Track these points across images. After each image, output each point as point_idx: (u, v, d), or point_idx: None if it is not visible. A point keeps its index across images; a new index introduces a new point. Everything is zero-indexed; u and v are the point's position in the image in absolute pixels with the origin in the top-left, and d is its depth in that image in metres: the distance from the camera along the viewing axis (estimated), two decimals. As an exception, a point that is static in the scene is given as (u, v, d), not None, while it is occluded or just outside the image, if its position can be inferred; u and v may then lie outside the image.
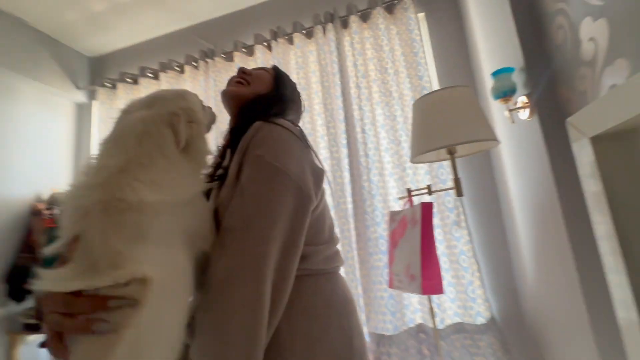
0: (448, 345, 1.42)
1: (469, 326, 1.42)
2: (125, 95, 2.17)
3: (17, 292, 1.82)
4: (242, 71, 0.80)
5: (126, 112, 0.57)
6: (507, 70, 1.12)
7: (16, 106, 1.99)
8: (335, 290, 0.63)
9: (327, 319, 0.58)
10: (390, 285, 1.35)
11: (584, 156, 0.75)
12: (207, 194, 0.64)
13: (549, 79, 1.05)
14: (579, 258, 0.95)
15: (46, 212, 1.91)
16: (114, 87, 2.21)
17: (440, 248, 1.50)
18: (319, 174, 0.63)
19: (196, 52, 2.06)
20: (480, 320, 1.40)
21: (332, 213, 1.62)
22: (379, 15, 1.72)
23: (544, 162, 1.05)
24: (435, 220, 1.48)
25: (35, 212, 1.93)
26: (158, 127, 0.51)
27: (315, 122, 1.78)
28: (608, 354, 0.90)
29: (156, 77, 2.13)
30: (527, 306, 1.40)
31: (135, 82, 2.18)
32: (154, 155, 0.49)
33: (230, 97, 0.76)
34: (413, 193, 1.40)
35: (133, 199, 0.43)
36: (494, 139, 1.03)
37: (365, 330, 1.50)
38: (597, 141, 0.72)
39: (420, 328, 1.48)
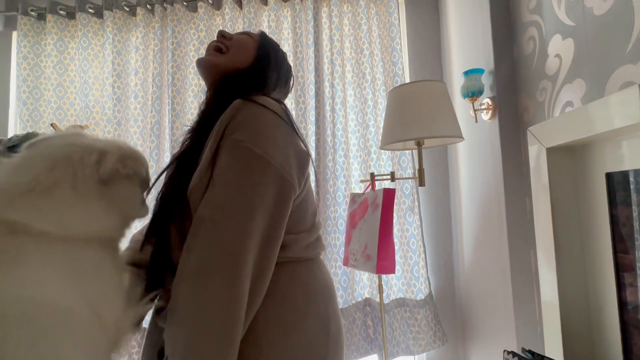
0: (390, 318, 1.56)
1: (410, 301, 1.57)
2: (58, 31, 1.82)
3: None
4: (221, 35, 0.70)
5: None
6: (478, 71, 1.18)
7: None
8: (314, 277, 0.62)
9: (304, 306, 0.58)
10: (345, 263, 1.42)
11: (538, 160, 0.85)
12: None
13: (513, 85, 1.14)
14: (512, 245, 1.10)
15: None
16: (41, 17, 1.83)
17: (394, 230, 1.60)
18: (303, 159, 0.59)
19: (152, -7, 1.78)
20: (420, 296, 1.56)
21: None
22: (360, -10, 1.66)
23: (497, 160, 1.16)
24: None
25: None
26: (82, 157, 0.47)
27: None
28: (523, 326, 1.07)
29: (98, 15, 1.81)
30: (460, 286, 1.60)
31: (70, 15, 1.83)
32: (62, 185, 0.45)
33: (205, 67, 0.67)
34: (376, 178, 1.45)
35: (20, 222, 0.41)
36: (460, 136, 1.10)
37: (317, 303, 1.58)
38: (551, 151, 0.81)
39: (367, 302, 1.60)
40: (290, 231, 0.58)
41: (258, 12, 1.72)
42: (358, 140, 1.66)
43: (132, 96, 1.75)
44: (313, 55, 1.65)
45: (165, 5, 1.75)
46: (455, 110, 1.54)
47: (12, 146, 1.62)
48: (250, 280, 0.49)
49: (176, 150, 0.64)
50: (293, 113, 1.67)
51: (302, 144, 0.61)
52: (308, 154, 0.61)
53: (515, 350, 0.87)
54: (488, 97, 1.19)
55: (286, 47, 1.72)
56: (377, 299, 1.56)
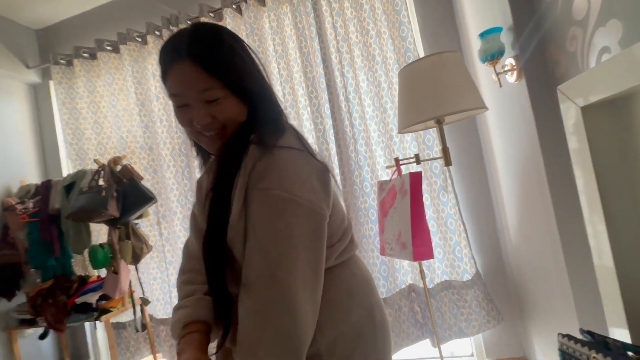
0: (437, 302, 1.52)
1: (456, 283, 1.51)
2: (84, 73, 1.97)
3: (6, 289, 1.78)
4: (205, 124, 0.59)
5: None
6: (495, 31, 1.07)
7: (-40, 93, 1.78)
8: (353, 275, 0.65)
9: (348, 303, 0.62)
10: (382, 253, 1.40)
11: (573, 121, 0.75)
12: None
13: (538, 39, 1.02)
14: (559, 213, 1.00)
15: (19, 206, 1.81)
16: (69, 63, 2.00)
17: (429, 213, 1.54)
18: (325, 179, 0.59)
19: (158, 18, 1.86)
20: (467, 276, 1.49)
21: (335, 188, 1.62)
22: (357, -32, 1.58)
23: (530, 125, 1.05)
24: (423, 187, 1.50)
25: (7, 208, 1.82)
26: None
27: (296, 92, 1.69)
28: (582, 301, 0.98)
29: (116, 50, 1.93)
30: (509, 261, 1.50)
31: (92, 56, 1.97)
32: None
33: (217, 154, 0.63)
34: (401, 162, 1.40)
35: None
36: (483, 107, 1.02)
37: (360, 295, 1.58)
38: (586, 110, 0.72)
39: (411, 288, 1.57)
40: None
41: (258, 14, 1.72)
42: (378, 126, 1.61)
43: (157, 121, 1.86)
44: (319, 47, 1.62)
45: (171, 28, 1.81)
46: (478, 77, 1.43)
47: (68, 185, 1.82)
48: (310, 308, 0.53)
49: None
50: (307, 110, 1.66)
51: (319, 162, 0.61)
52: (327, 170, 0.61)
53: (573, 332, 0.80)
54: (511, 57, 1.08)
55: (290, 44, 1.70)
56: (421, 285, 1.52)
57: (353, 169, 1.59)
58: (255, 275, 0.52)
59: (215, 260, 0.58)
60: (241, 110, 0.61)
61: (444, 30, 1.58)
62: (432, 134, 1.51)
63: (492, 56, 1.08)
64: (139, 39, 1.88)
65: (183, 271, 0.69)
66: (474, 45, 1.38)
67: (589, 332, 0.70)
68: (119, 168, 1.75)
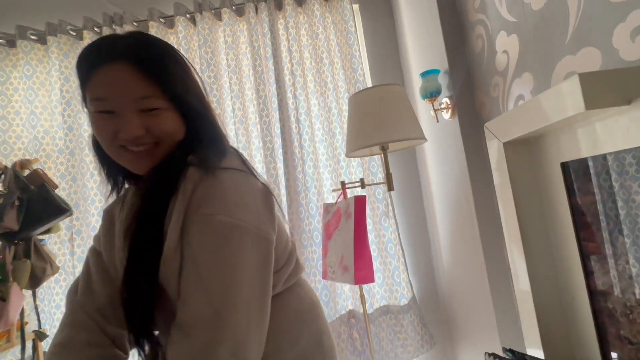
0: (376, 327, 1.52)
1: (394, 307, 1.54)
2: (25, 58, 1.70)
3: None
4: (134, 137, 0.51)
5: None
6: (434, 72, 1.20)
7: None
8: (301, 300, 0.63)
9: (296, 328, 0.59)
10: (324, 277, 1.37)
11: (497, 155, 0.85)
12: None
13: (468, 83, 1.15)
14: (485, 241, 1.10)
15: None
16: (-18, 47, 1.71)
17: (370, 237, 1.58)
18: (269, 200, 0.56)
19: (99, 15, 1.71)
20: (404, 301, 1.53)
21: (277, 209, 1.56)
22: (314, 0, 1.67)
23: (461, 159, 1.16)
24: (367, 212, 1.54)
25: None
26: None
27: (247, 108, 1.66)
28: (504, 325, 1.06)
29: (42, 41, 1.71)
30: (442, 286, 1.59)
31: (11, 44, 1.72)
32: None
33: (144, 172, 0.54)
34: (347, 186, 1.43)
35: None
36: (422, 137, 1.10)
37: (299, 321, 1.52)
38: (508, 145, 0.81)
39: (351, 314, 1.55)
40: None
41: (213, 27, 1.69)
42: (326, 149, 1.64)
43: (85, 123, 1.65)
44: (273, 68, 1.63)
45: (114, 27, 1.68)
46: (419, 111, 1.56)
47: (-49, 189, 1.48)
48: (256, 345, 0.49)
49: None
50: (257, 127, 1.63)
51: (262, 184, 0.57)
52: (270, 191, 0.58)
53: (497, 350, 0.85)
54: (446, 97, 1.21)
55: (245, 61, 1.69)
56: (361, 310, 1.52)
57: (300, 190, 1.58)
58: (194, 315, 0.45)
59: (142, 304, 0.48)
60: (180, 127, 0.55)
61: (390, 65, 1.73)
62: (377, 160, 1.59)
63: (431, 94, 1.19)
64: (73, 33, 1.70)
65: (62, 326, 0.56)
66: (416, 82, 1.53)
67: (511, 350, 0.74)
68: (26, 173, 1.49)
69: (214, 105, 1.61)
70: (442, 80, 1.22)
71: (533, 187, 0.80)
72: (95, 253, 0.59)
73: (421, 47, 1.41)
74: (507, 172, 0.80)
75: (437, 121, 1.25)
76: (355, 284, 1.20)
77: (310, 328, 0.61)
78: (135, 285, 0.49)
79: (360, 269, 1.22)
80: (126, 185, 0.63)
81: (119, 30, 1.68)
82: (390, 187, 1.18)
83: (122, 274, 0.50)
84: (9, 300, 1.38)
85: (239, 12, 1.72)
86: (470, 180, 1.12)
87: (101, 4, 1.74)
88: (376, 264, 1.57)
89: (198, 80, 0.60)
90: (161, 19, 1.69)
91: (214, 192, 0.49)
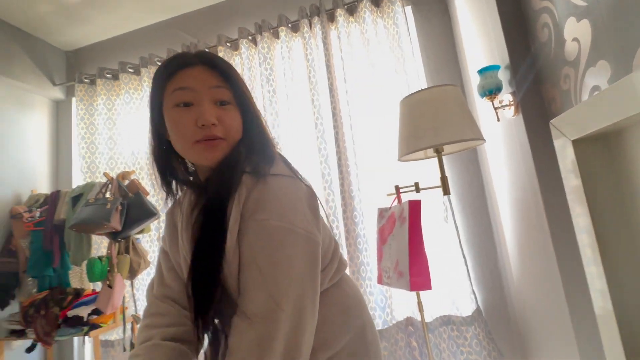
0: (436, 337, 1.46)
1: (456, 318, 1.45)
2: (105, 92, 2.09)
3: (0, 298, 1.77)
4: (211, 123, 0.57)
5: None
6: (493, 68, 1.12)
7: (-12, 105, 1.90)
8: (346, 295, 0.66)
9: (342, 321, 0.62)
10: (379, 282, 1.37)
11: (566, 156, 0.77)
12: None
13: (533, 77, 1.06)
14: (559, 250, 0.98)
15: (26, 214, 1.85)
16: (92, 82, 2.13)
17: (428, 243, 1.52)
18: (313, 202, 0.60)
19: (178, 46, 1.99)
20: (467, 312, 1.44)
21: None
22: (365, 8, 1.69)
23: (527, 159, 1.07)
24: (423, 216, 1.49)
25: (14, 215, 1.86)
26: None
27: (302, 117, 1.76)
28: (585, 342, 0.94)
29: (137, 72, 2.06)
30: (511, 297, 1.45)
31: (115, 77, 2.10)
32: None
33: (212, 163, 0.60)
34: (401, 190, 1.41)
35: None
36: (480, 138, 1.04)
37: (355, 325, 1.53)
38: (578, 143, 0.73)
39: (408, 321, 1.51)
40: None
41: (271, 45, 1.83)
42: (381, 154, 1.64)
43: (168, 139, 1.93)
44: (326, 77, 1.70)
45: (190, 54, 1.93)
46: (478, 111, 1.47)
47: (75, 196, 1.86)
48: (309, 335, 0.53)
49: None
50: (312, 135, 1.71)
51: (306, 186, 0.61)
52: (314, 193, 0.62)
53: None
54: (508, 93, 1.12)
55: (300, 73, 1.79)
56: (419, 318, 1.47)
57: (354, 194, 1.60)
58: (257, 307, 0.51)
59: (209, 297, 0.55)
60: (240, 127, 0.61)
61: (446, 65, 1.66)
62: (434, 164, 1.53)
63: (490, 92, 1.12)
64: (159, 63, 2.00)
65: (145, 315, 0.66)
66: (474, 80, 1.44)
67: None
68: (126, 182, 1.79)
69: (273, 116, 1.74)
70: (503, 76, 1.14)
71: (613, 190, 0.70)
72: (163, 252, 0.69)
73: (479, 43, 1.33)
74: (579, 173, 0.72)
75: (498, 120, 1.16)
76: (411, 290, 1.18)
77: (356, 322, 0.64)
78: (202, 283, 0.55)
79: (416, 275, 1.19)
80: (183, 190, 0.70)
81: (194, 57, 1.92)
82: (445, 191, 1.13)
83: (188, 270, 0.56)
84: (115, 288, 1.68)
85: (294, 28, 1.83)
86: (538, 184, 1.02)
87: (180, 37, 2.02)
88: (435, 272, 1.50)
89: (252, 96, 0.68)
90: (227, 43, 1.89)
91: (266, 198, 0.54)
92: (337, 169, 1.63)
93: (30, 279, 1.82)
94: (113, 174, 1.90)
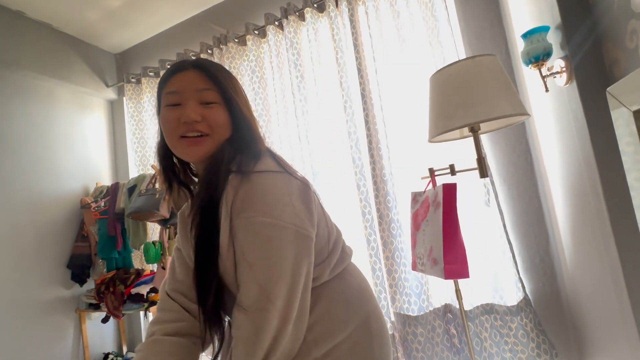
0: (476, 326, 1.39)
1: (499, 307, 1.36)
2: (150, 89, 2.24)
3: (79, 276, 2.07)
4: (194, 120, 0.60)
5: None
6: (541, 30, 0.98)
7: (55, 109, 2.15)
8: (349, 286, 0.66)
9: (345, 313, 0.63)
10: (414, 268, 1.33)
11: (624, 129, 0.65)
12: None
13: (591, 36, 0.90)
14: (619, 235, 0.86)
15: (93, 204, 2.10)
16: (138, 82, 2.29)
17: (467, 229, 1.43)
18: (306, 196, 0.60)
19: (210, 38, 2.05)
20: (512, 302, 1.34)
21: (354, 195, 1.60)
22: (395, -23, 1.57)
23: (582, 133, 0.93)
24: (461, 200, 1.40)
25: (84, 205, 2.13)
26: None
27: (330, 102, 1.72)
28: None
29: (176, 69, 2.17)
30: (565, 287, 1.31)
31: (156, 74, 2.24)
32: None
33: (194, 159, 0.64)
34: (436, 173, 1.33)
35: None
36: (521, 113, 0.93)
37: (390, 310, 1.51)
38: (642, 114, 0.61)
39: (447, 308, 1.46)
40: (314, 265, 0.61)
41: (297, 29, 1.79)
42: (415, 135, 1.55)
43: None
44: (354, 58, 1.63)
45: (221, 46, 1.98)
46: (523, 82, 1.30)
47: (131, 187, 2.06)
48: (296, 320, 0.56)
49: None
50: (341, 119, 1.67)
51: (298, 180, 0.61)
52: (307, 187, 0.62)
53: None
54: (560, 58, 0.97)
55: (327, 55, 1.74)
56: (458, 306, 1.40)
57: (386, 179, 1.55)
58: (251, 300, 0.54)
59: (210, 291, 0.58)
60: (227, 124, 0.63)
61: (488, 34, 1.48)
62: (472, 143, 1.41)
63: (537, 58, 0.98)
64: (194, 57, 2.08)
65: (156, 309, 0.71)
66: (521, 48, 1.27)
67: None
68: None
69: (302, 102, 1.72)
70: (553, 38, 0.99)
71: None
72: (177, 250, 0.73)
73: (524, 3, 1.16)
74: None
75: (547, 90, 1.02)
76: (445, 278, 1.12)
77: (359, 313, 0.64)
78: (202, 277, 0.58)
79: (451, 263, 1.13)
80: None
81: (225, 49, 1.96)
82: (482, 174, 1.04)
83: (193, 267, 0.60)
84: (167, 269, 1.85)
85: (320, 8, 1.77)
86: (595, 161, 0.88)
87: (211, 29, 2.07)
88: (476, 259, 1.41)
89: (245, 95, 0.70)
90: (255, 31, 1.89)
91: (252, 196, 0.56)
92: (368, 152, 1.58)
93: (100, 260, 2.09)
94: (157, 158, 2.06)
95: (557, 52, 0.98)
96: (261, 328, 0.53)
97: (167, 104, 0.63)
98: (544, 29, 0.98)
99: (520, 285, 1.34)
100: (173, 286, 0.70)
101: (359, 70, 1.60)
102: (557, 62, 0.98)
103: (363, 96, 1.59)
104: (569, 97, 0.97)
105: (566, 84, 0.96)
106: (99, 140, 2.40)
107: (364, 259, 1.57)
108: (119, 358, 2.13)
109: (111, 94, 2.44)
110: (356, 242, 1.62)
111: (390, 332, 1.50)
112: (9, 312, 1.77)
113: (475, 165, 1.32)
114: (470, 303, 1.41)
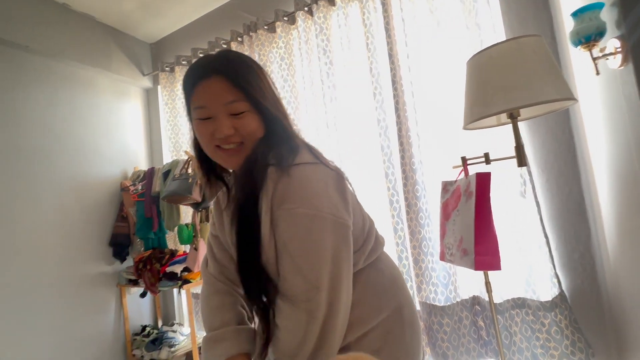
0: (506, 320, 1.35)
1: (532, 302, 1.32)
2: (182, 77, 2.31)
3: (119, 253, 2.22)
4: (226, 136, 0.61)
5: None
6: (594, 7, 0.90)
7: (97, 97, 2.28)
8: (382, 274, 0.67)
9: (378, 302, 0.64)
10: (442, 258, 1.31)
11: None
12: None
13: (653, 13, 0.82)
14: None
15: (131, 187, 2.23)
16: (172, 70, 2.37)
17: (501, 220, 1.38)
18: (341, 186, 0.62)
19: (240, 26, 2.06)
20: (546, 297, 1.29)
21: (382, 184, 1.59)
22: (430, -44, 1.49)
23: (636, 120, 0.86)
24: (496, 190, 1.35)
25: (123, 188, 2.27)
26: None
27: (359, 88, 1.69)
28: None
29: (207, 57, 2.22)
30: (606, 285, 1.24)
31: (189, 63, 2.30)
32: None
33: (233, 168, 0.66)
34: (469, 162, 1.28)
35: None
36: (567, 97, 0.87)
37: (416, 299, 1.51)
38: None
39: (475, 300, 1.43)
40: None
41: (327, 14, 1.76)
42: (447, 123, 1.50)
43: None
44: (385, 42, 1.58)
45: (250, 34, 1.99)
46: (571, 64, 1.22)
47: (165, 172, 2.16)
48: (343, 306, 0.58)
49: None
50: (370, 106, 1.64)
51: (332, 171, 0.63)
52: (341, 176, 0.63)
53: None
54: (615, 38, 0.89)
55: (357, 41, 1.71)
56: (487, 298, 1.37)
57: (416, 167, 1.52)
58: (295, 290, 0.56)
59: (254, 280, 0.61)
60: (259, 127, 0.64)
61: (532, 13, 1.38)
62: (510, 131, 1.34)
63: (588, 38, 0.91)
64: (225, 45, 2.12)
65: (209, 295, 0.72)
66: (568, 28, 1.18)
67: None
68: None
69: (331, 89, 1.71)
70: (608, 16, 0.91)
71: None
72: (213, 236, 0.76)
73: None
74: None
75: (598, 73, 0.95)
76: (476, 269, 1.10)
77: (391, 301, 0.65)
78: (246, 268, 0.61)
79: (482, 254, 1.10)
80: (223, 190, 0.75)
81: (254, 36, 1.98)
82: (520, 162, 0.99)
83: (236, 256, 0.62)
84: (199, 250, 1.95)
85: (351, -9, 1.73)
86: (651, 150, 0.82)
87: (241, 17, 2.09)
88: (507, 251, 1.37)
89: (274, 89, 0.68)
90: (285, 17, 1.88)
91: (292, 188, 0.57)
92: (397, 140, 1.55)
93: (138, 240, 2.23)
94: (193, 152, 2.14)
95: (611, 31, 0.90)
96: (311, 317, 0.55)
97: (198, 118, 0.63)
98: (598, 6, 0.90)
99: (556, 280, 1.29)
100: (219, 270, 0.74)
101: (390, 55, 1.56)
102: (610, 42, 0.90)
103: (394, 82, 1.55)
104: (622, 81, 0.89)
105: (620, 66, 0.88)
106: (136, 127, 2.52)
107: (390, 247, 1.56)
108: (155, 330, 2.28)
109: (147, 82, 2.55)
110: (383, 231, 1.61)
111: (415, 321, 1.50)
112: (60, 285, 1.94)
113: (510, 153, 1.26)
114: (500, 296, 1.37)
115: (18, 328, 1.74)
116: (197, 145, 0.70)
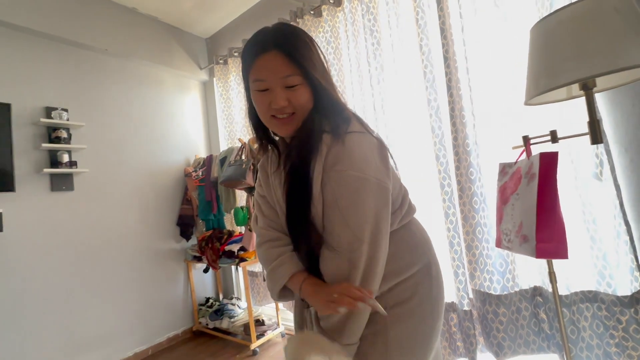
0: (573, 314, 1.24)
1: (605, 296, 1.18)
2: (235, 69, 2.43)
3: (185, 233, 2.48)
4: (281, 107, 0.67)
5: None
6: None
7: (162, 92, 2.52)
8: (413, 235, 0.77)
9: (410, 258, 0.74)
10: (498, 245, 1.23)
11: None
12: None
13: None
14: None
15: (193, 173, 2.45)
16: (225, 62, 2.51)
17: (570, 205, 1.25)
18: (383, 153, 0.70)
19: (287, 14, 2.09)
20: (624, 291, 1.15)
21: (433, 167, 1.53)
22: None
23: None
24: (564, 172, 1.22)
25: (187, 174, 2.50)
26: None
27: (408, 68, 1.62)
28: None
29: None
30: None
31: (241, 55, 2.41)
32: None
33: (287, 135, 0.73)
34: (532, 141, 1.17)
35: None
36: (659, 61, 0.74)
37: (468, 287, 1.45)
38: None
39: (536, 291, 1.33)
40: None
41: (374, -7, 1.71)
42: (506, 100, 1.37)
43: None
44: (437, 16, 1.49)
45: (297, 20, 2.01)
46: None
47: (222, 159, 2.33)
48: (383, 258, 0.67)
49: None
50: (420, 86, 1.58)
51: (376, 139, 0.71)
52: (383, 145, 0.71)
53: None
54: None
55: (405, 19, 1.63)
56: (550, 289, 1.27)
57: (470, 149, 1.43)
58: (341, 241, 0.65)
59: (302, 231, 0.70)
60: (310, 99, 0.70)
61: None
62: (581, 106, 1.19)
63: (691, -13, 0.76)
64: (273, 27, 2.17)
65: (261, 243, 0.80)
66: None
67: None
68: (255, 146, 2.11)
69: (378, 70, 1.67)
70: None
71: None
72: (260, 196, 0.83)
73: None
74: None
75: (703, 29, 0.79)
76: (537, 257, 1.02)
77: (422, 258, 0.75)
78: (295, 221, 0.70)
79: (545, 241, 1.01)
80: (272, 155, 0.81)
81: (301, 22, 2.00)
82: (595, 139, 0.88)
83: (285, 212, 0.71)
84: (253, 231, 2.08)
85: (400, -35, 1.64)
86: None
87: (288, 5, 2.11)
88: (577, 239, 1.24)
89: (324, 61, 0.73)
90: (330, 1, 1.86)
91: (344, 153, 0.65)
92: (450, 121, 1.47)
93: (200, 221, 2.46)
94: (246, 140, 2.27)
95: None
96: (353, 265, 0.63)
97: (256, 89, 0.69)
98: None
99: (638, 274, 1.13)
100: (268, 224, 0.80)
101: (442, 30, 1.47)
102: None
103: (446, 59, 1.46)
104: None
105: None
106: (195, 117, 2.74)
107: (441, 232, 1.51)
108: (217, 302, 2.53)
109: (204, 75, 2.73)
110: (433, 216, 1.57)
111: (467, 308, 1.44)
112: (139, 257, 2.24)
113: (582, 130, 1.13)
114: (566, 287, 1.26)
115: (107, 295, 2.07)
116: (252, 112, 0.76)
